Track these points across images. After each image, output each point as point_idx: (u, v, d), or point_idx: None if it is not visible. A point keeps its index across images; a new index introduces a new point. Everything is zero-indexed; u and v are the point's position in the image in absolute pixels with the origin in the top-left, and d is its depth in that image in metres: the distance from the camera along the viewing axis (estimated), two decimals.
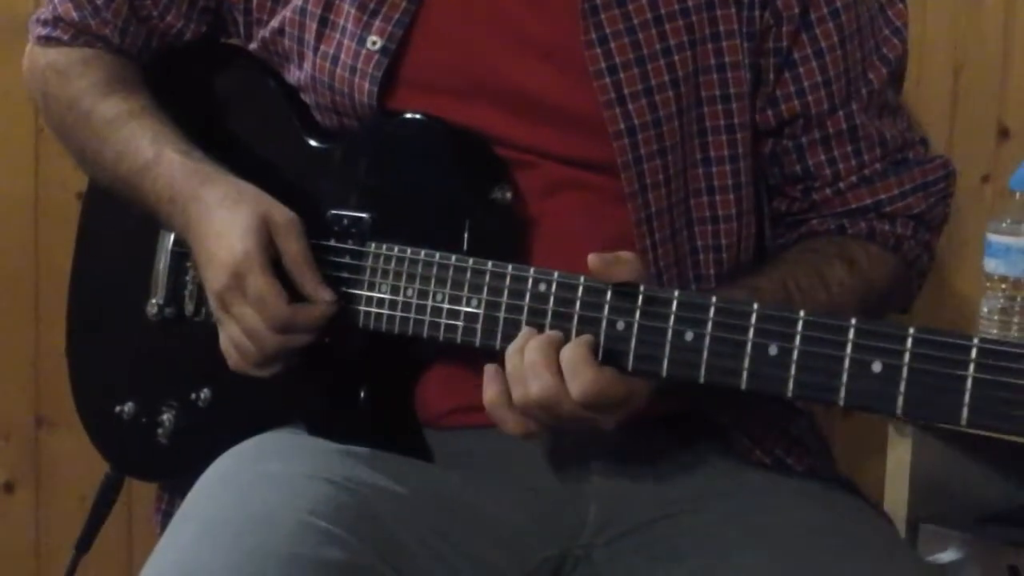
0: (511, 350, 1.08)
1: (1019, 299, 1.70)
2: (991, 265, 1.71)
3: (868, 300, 1.22)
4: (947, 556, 1.68)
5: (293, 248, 1.19)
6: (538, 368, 1.05)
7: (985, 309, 1.71)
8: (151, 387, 1.35)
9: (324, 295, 1.18)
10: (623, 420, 1.09)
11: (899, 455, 1.71)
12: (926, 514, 1.71)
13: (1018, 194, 1.72)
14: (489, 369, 1.09)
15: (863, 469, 1.92)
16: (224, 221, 1.19)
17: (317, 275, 1.19)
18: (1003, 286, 1.71)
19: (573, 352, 1.05)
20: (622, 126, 1.18)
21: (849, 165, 1.26)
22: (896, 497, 1.71)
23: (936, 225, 1.30)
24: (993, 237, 1.71)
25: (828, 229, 1.27)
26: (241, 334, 1.19)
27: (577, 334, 1.07)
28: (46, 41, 1.37)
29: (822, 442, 1.31)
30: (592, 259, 1.05)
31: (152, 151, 1.26)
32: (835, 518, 1.19)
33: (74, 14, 1.35)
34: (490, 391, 1.08)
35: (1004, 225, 1.71)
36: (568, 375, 1.05)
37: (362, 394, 1.22)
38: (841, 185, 1.26)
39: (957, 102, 1.98)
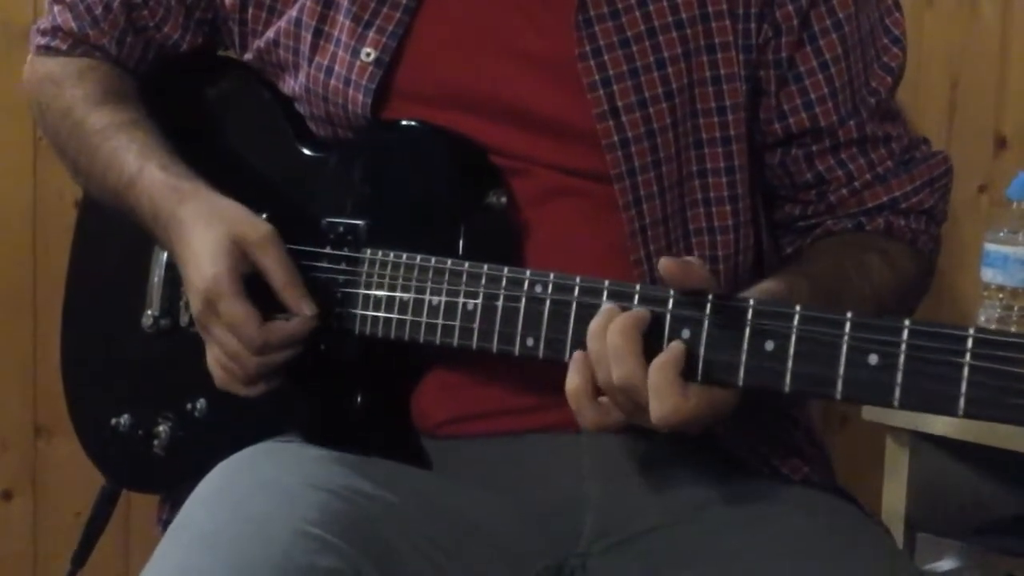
0: (593, 332, 1.04)
1: (1016, 308, 1.70)
2: (988, 274, 1.71)
3: (902, 291, 1.23)
4: (945, 565, 1.68)
5: (269, 263, 1.18)
6: (621, 352, 1.02)
7: (983, 318, 1.72)
8: (146, 398, 1.35)
9: (305, 309, 1.17)
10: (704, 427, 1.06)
11: (897, 464, 1.71)
12: (924, 523, 1.72)
13: (1015, 204, 1.72)
14: (578, 356, 1.05)
15: (861, 478, 1.92)
16: (196, 244, 1.19)
17: (299, 288, 1.18)
18: (1000, 295, 1.72)
19: (660, 376, 1.01)
20: (616, 138, 1.19)
21: (860, 165, 1.26)
22: (894, 506, 1.71)
23: (942, 219, 1.31)
24: (990, 246, 1.71)
25: (846, 228, 1.27)
26: (224, 356, 1.18)
27: (573, 335, 1.07)
28: (45, 51, 1.38)
29: (820, 452, 1.31)
30: (669, 264, 1.02)
31: (136, 166, 1.26)
32: (831, 528, 1.18)
33: (72, 24, 1.36)
34: (574, 380, 1.05)
35: (1001, 235, 1.71)
36: (653, 395, 1.01)
37: (358, 401, 1.22)
38: (856, 184, 1.26)
39: (954, 112, 1.99)
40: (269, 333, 1.16)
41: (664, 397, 1.01)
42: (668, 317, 1.04)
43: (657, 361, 1.02)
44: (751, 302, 1.01)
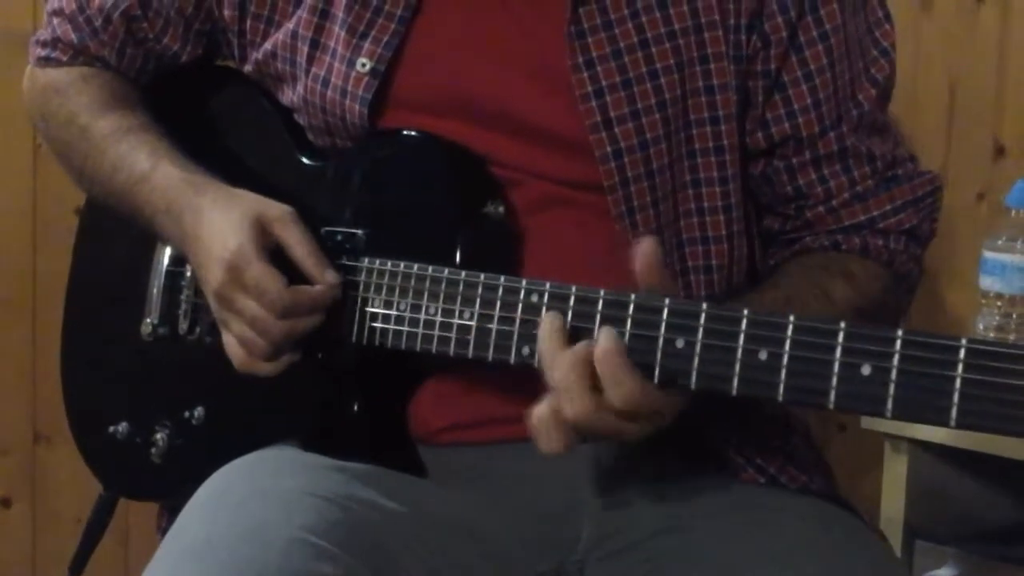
0: (548, 365, 1.05)
1: (1014, 316, 1.70)
2: (986, 282, 1.71)
3: (866, 315, 1.22)
4: (943, 573, 1.68)
5: (293, 236, 1.19)
6: (574, 390, 1.04)
7: (980, 326, 1.72)
8: (145, 406, 1.35)
9: (329, 277, 1.18)
10: (650, 432, 1.08)
11: (895, 471, 1.71)
12: (922, 531, 1.72)
13: (1013, 211, 1.72)
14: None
15: (859, 485, 1.92)
16: (217, 221, 1.20)
17: (322, 258, 1.19)
18: (998, 303, 1.72)
19: (615, 362, 1.03)
20: (608, 149, 1.19)
21: (841, 183, 1.26)
22: (892, 514, 1.71)
23: (925, 239, 1.30)
24: (989, 254, 1.71)
25: (822, 245, 1.27)
26: (246, 328, 1.18)
27: (570, 344, 1.07)
28: (45, 62, 1.39)
29: (818, 459, 1.31)
30: (651, 248, 1.05)
31: (149, 163, 1.27)
32: (828, 536, 1.18)
33: (72, 36, 1.36)
34: (541, 408, 1.06)
35: (999, 242, 1.71)
36: (609, 384, 1.03)
37: (356, 409, 1.22)
38: (834, 203, 1.26)
39: (953, 120, 1.99)
40: (295, 295, 1.17)
41: (621, 381, 1.02)
42: (663, 325, 1.04)
43: (605, 352, 1.03)
44: (745, 312, 1.02)
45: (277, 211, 1.20)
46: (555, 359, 1.05)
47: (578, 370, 1.04)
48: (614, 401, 1.03)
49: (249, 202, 1.21)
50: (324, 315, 1.19)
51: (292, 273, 1.18)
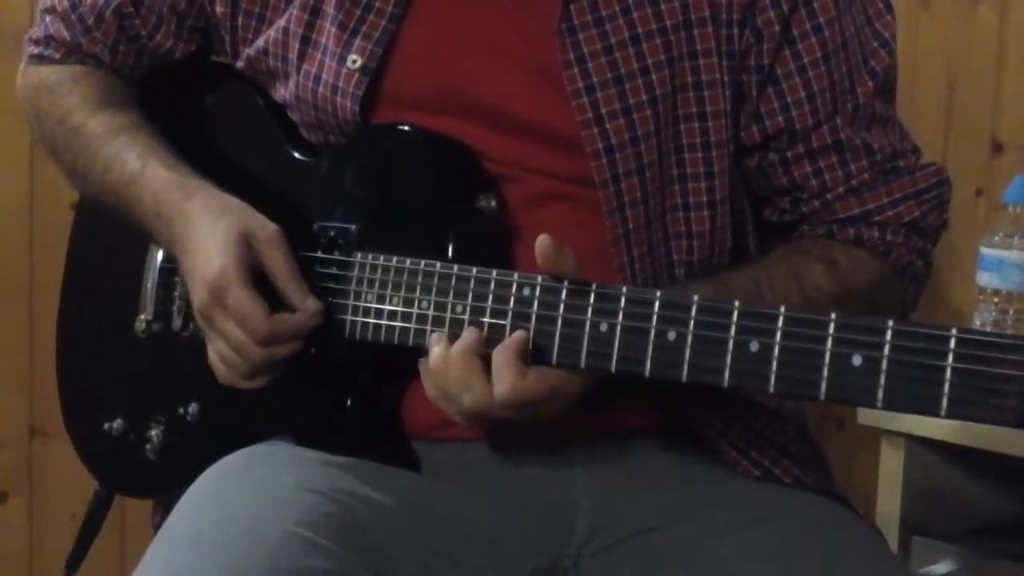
0: (434, 369, 1.10)
1: (1012, 312, 1.70)
2: (984, 278, 1.71)
3: (846, 304, 1.21)
4: (939, 569, 1.68)
5: (276, 260, 1.18)
6: (465, 380, 1.08)
7: (978, 322, 1.72)
8: (139, 403, 1.35)
9: (310, 305, 1.18)
10: (558, 412, 1.11)
11: (892, 466, 1.71)
12: (919, 526, 1.72)
13: (1011, 208, 1.72)
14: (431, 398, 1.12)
15: (856, 482, 1.92)
16: (204, 235, 1.19)
17: (303, 285, 1.19)
18: (996, 299, 1.71)
19: (500, 357, 1.07)
20: (600, 145, 1.19)
21: (836, 176, 1.26)
22: (889, 510, 1.71)
23: (931, 231, 1.29)
24: (986, 250, 1.71)
25: (817, 234, 1.27)
26: (227, 348, 1.19)
27: (561, 337, 1.08)
28: (38, 60, 1.39)
29: (815, 455, 1.31)
30: (546, 241, 1.06)
31: (139, 164, 1.27)
32: (823, 531, 1.18)
33: (65, 33, 1.36)
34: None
35: (997, 238, 1.71)
36: (494, 378, 1.07)
37: (349, 404, 1.22)
38: (829, 196, 1.26)
39: (951, 116, 1.99)
40: (275, 324, 1.17)
41: (502, 376, 1.06)
42: (655, 318, 1.04)
43: (500, 345, 1.08)
44: (736, 304, 1.02)
45: (263, 232, 1.19)
46: (446, 354, 1.09)
47: (467, 362, 1.08)
48: (496, 394, 1.07)
49: (237, 216, 1.20)
50: (305, 341, 1.19)
51: (275, 294, 1.18)
